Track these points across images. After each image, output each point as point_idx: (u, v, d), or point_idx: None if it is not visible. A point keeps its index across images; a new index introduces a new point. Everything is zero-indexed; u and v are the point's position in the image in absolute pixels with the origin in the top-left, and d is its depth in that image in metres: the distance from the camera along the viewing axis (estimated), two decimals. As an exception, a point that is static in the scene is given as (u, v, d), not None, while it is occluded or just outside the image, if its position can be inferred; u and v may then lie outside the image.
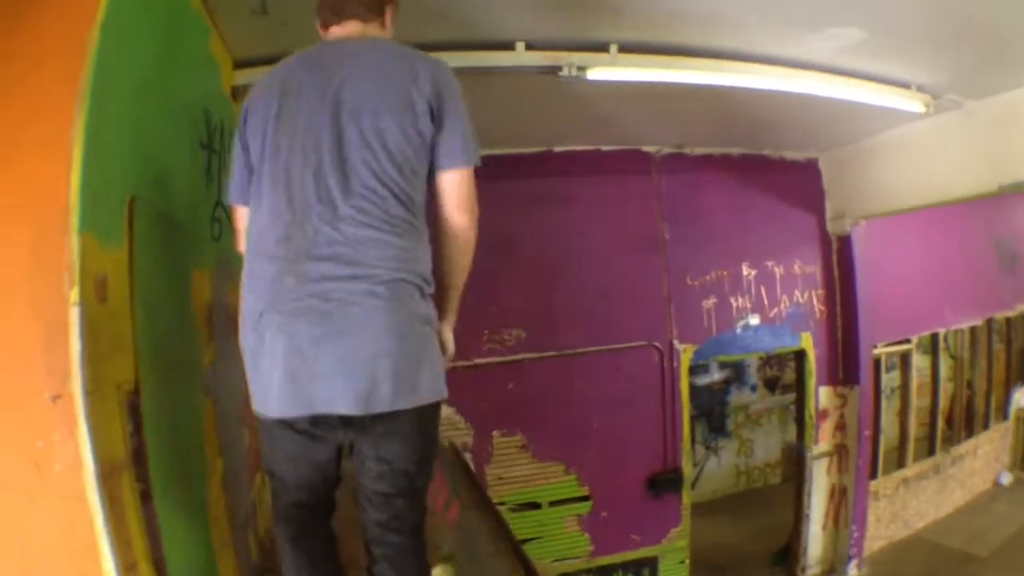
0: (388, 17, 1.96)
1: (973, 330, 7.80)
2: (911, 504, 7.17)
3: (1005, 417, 8.32)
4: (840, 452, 6.56)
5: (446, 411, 5.66)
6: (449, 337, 1.88)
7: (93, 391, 1.54)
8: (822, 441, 6.51)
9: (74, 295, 1.53)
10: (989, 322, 8.01)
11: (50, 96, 1.62)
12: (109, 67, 1.74)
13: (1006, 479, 8.26)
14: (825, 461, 6.54)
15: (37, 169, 1.59)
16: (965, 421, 7.82)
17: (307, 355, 1.58)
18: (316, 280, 1.60)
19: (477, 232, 1.79)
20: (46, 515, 1.54)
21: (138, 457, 1.74)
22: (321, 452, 1.74)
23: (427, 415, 1.73)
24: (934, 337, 7.48)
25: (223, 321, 2.66)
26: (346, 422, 1.65)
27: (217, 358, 2.51)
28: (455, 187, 1.76)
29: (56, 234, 1.55)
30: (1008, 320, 8.34)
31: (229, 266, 2.77)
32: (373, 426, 1.66)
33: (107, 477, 1.56)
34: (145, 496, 1.75)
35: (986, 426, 8.01)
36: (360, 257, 1.61)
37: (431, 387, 1.69)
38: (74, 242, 1.55)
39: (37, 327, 1.54)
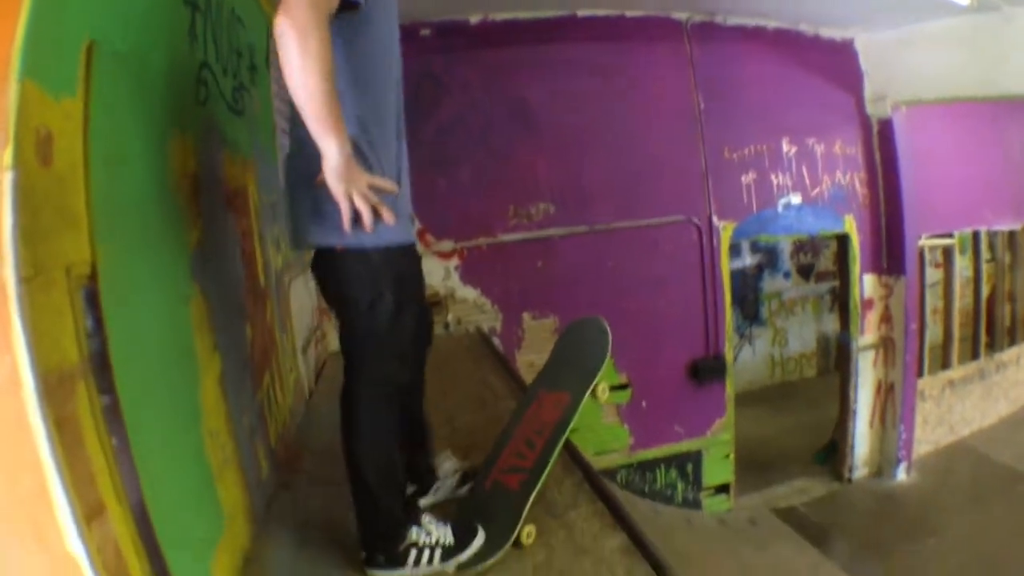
0: None
1: (1012, 235, 7.42)
2: (957, 408, 6.77)
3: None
4: (887, 345, 6.15)
5: (471, 294, 5.19)
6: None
7: (31, 277, 1.15)
8: (867, 333, 6.09)
9: (7, 156, 1.16)
10: (1029, 230, 7.66)
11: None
12: None
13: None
14: (871, 354, 6.12)
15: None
16: (1009, 328, 7.43)
17: None
18: None
19: (294, 34, 1.47)
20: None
21: (100, 362, 1.32)
22: None
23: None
24: (975, 236, 7.09)
25: (214, 198, 2.19)
26: None
27: (206, 240, 2.01)
28: None
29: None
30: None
31: (220, 135, 2.34)
32: None
33: (54, 391, 1.16)
34: (112, 413, 1.33)
35: (1028, 334, 7.62)
36: None
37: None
38: (12, 91, 1.18)
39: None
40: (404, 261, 1.84)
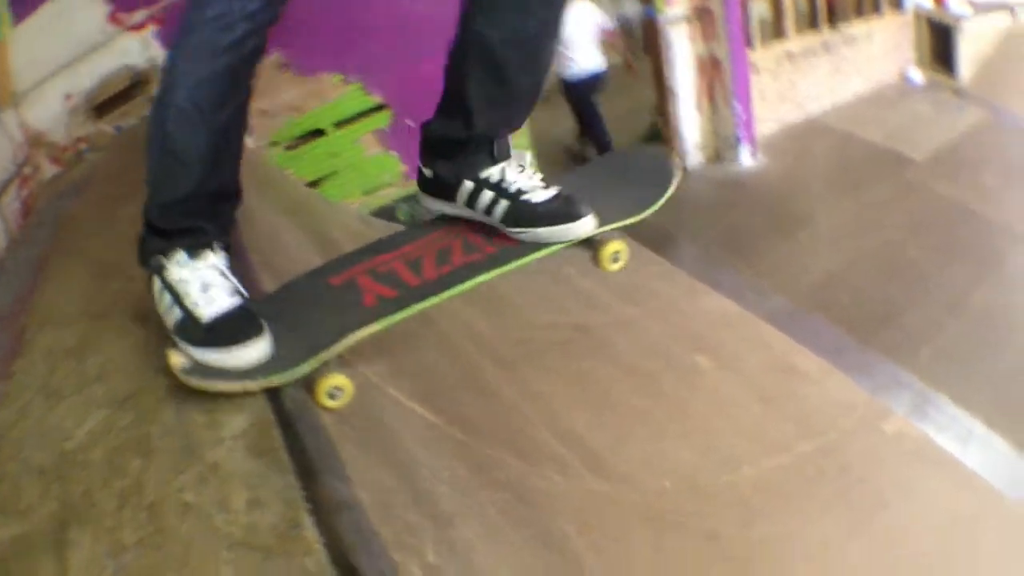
0: None
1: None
2: (801, 84, 6.14)
3: (900, 8, 7.20)
4: (703, 17, 5.32)
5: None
6: None
7: None
8: (675, 3, 5.24)
9: None
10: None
11: None
12: None
13: (917, 77, 7.28)
14: (684, 27, 5.29)
15: None
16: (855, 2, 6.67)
17: None
18: None
19: None
20: None
21: None
22: None
23: None
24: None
25: None
26: None
27: None
28: None
29: None
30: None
31: None
32: None
33: None
34: None
35: (877, 9, 6.87)
36: None
37: None
38: None
39: None
40: None
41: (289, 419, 1.10)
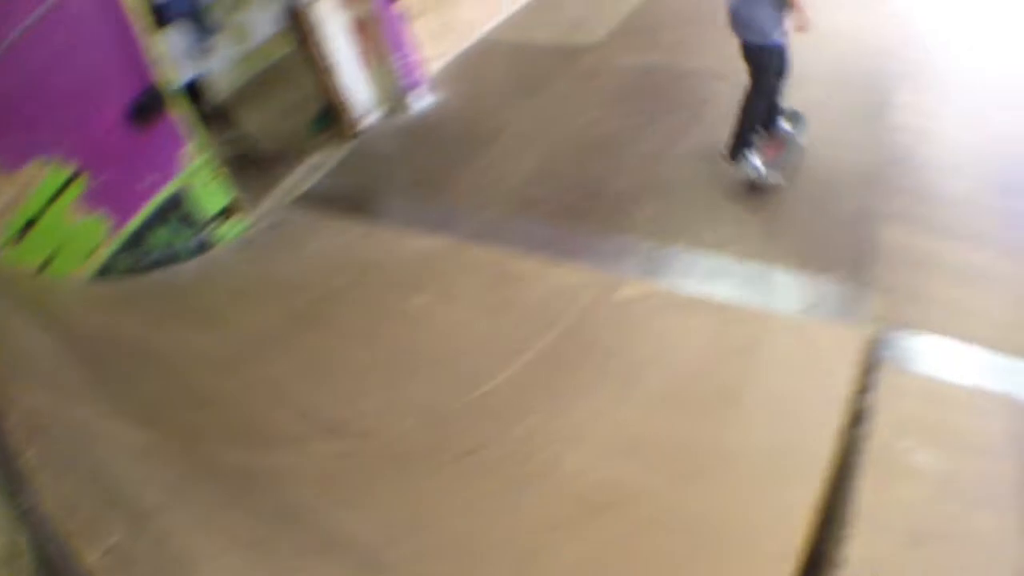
0: None
1: None
2: (459, 15, 6.58)
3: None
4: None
5: None
6: None
7: None
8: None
9: None
10: None
11: None
12: None
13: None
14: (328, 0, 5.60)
15: None
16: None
17: None
18: None
19: None
20: None
21: None
22: None
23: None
24: None
25: None
26: None
27: None
28: None
29: None
30: None
31: None
32: None
33: None
34: None
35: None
36: None
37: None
38: None
39: None
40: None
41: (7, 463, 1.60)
